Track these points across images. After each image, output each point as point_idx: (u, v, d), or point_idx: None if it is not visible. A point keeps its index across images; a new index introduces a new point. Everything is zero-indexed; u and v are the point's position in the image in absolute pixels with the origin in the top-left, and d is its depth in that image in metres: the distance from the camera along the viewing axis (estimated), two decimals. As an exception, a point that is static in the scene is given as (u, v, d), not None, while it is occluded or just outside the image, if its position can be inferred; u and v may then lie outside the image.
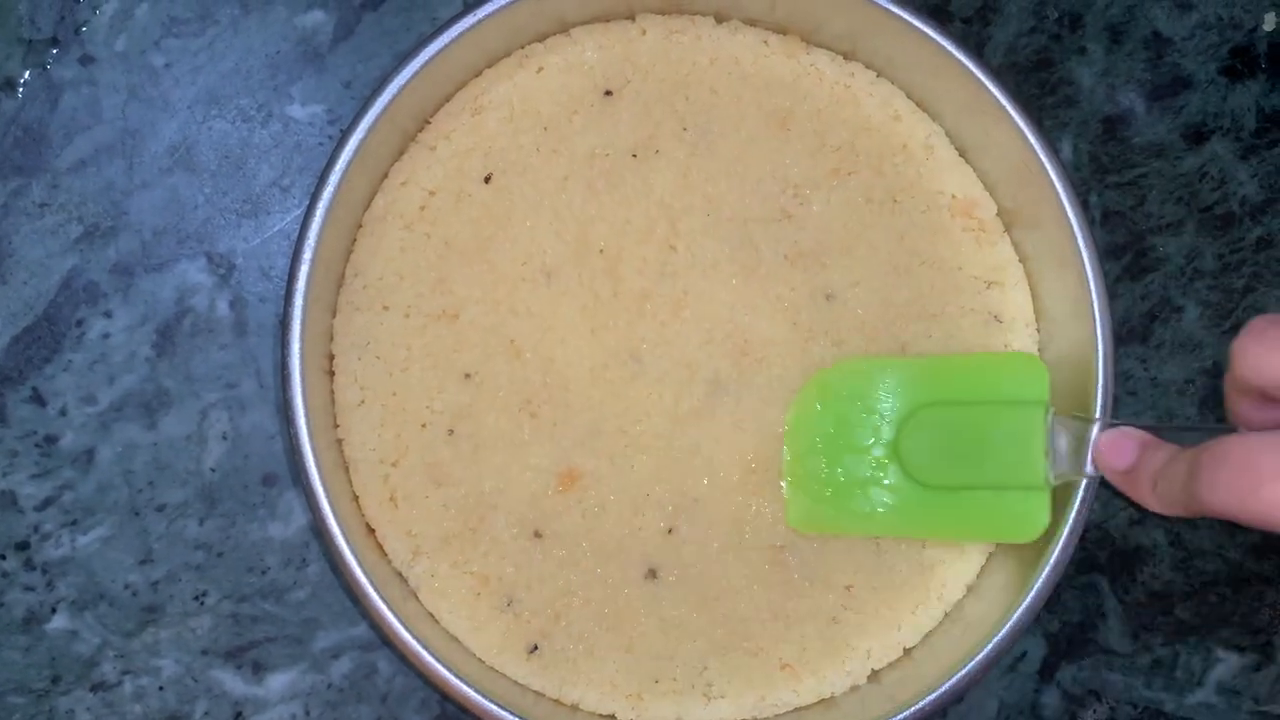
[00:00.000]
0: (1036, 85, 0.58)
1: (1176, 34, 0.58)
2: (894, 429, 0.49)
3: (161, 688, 0.54)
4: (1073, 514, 0.47)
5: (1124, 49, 0.58)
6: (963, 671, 0.47)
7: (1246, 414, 0.41)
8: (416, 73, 0.48)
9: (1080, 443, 0.45)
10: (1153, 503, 0.41)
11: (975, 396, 0.49)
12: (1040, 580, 0.47)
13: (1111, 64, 0.58)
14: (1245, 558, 0.58)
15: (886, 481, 0.50)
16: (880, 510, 0.50)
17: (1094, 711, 0.58)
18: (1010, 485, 0.47)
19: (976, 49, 0.56)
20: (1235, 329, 0.57)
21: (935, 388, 0.50)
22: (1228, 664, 0.58)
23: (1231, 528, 0.58)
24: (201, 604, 0.55)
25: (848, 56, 0.53)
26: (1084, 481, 0.47)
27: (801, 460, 0.50)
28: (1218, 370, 0.58)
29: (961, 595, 0.51)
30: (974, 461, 0.48)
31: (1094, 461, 0.45)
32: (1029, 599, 0.47)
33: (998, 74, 0.49)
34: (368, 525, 0.51)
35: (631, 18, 0.53)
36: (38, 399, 0.54)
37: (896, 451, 0.49)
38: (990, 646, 0.47)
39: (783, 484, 0.51)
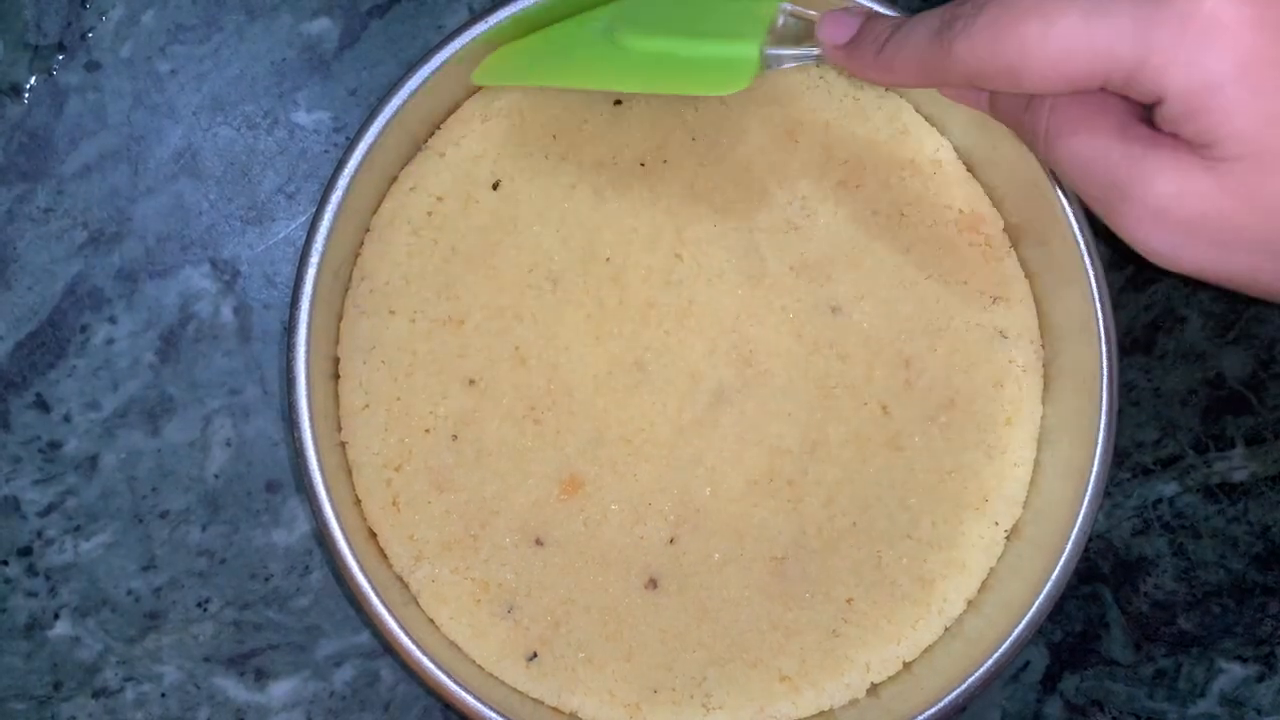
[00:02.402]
0: (1043, 95, 0.58)
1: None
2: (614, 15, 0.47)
3: (163, 694, 0.55)
4: (1074, 533, 0.47)
5: (1131, 60, 0.58)
6: (961, 687, 0.47)
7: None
8: (427, 79, 0.48)
9: (810, 29, 0.43)
10: (875, 71, 0.39)
11: None
12: (1041, 597, 0.47)
13: (1119, 75, 0.58)
14: (1248, 569, 0.58)
15: (591, 44, 0.47)
16: (575, 63, 0.47)
17: (1095, 723, 0.58)
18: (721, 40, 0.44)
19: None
20: (1238, 339, 0.57)
21: None
22: (1230, 675, 0.58)
23: (1234, 539, 0.58)
24: (204, 611, 0.55)
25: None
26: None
27: (520, 43, 0.49)
28: (1220, 381, 0.58)
29: (961, 611, 0.51)
30: (686, 28, 0.45)
31: (817, 38, 0.42)
32: (1029, 615, 0.47)
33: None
34: (370, 529, 0.51)
35: (641, 27, 0.53)
36: (41, 405, 0.55)
37: (610, 24, 0.47)
38: (990, 662, 0.47)
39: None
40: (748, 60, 0.42)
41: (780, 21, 0.43)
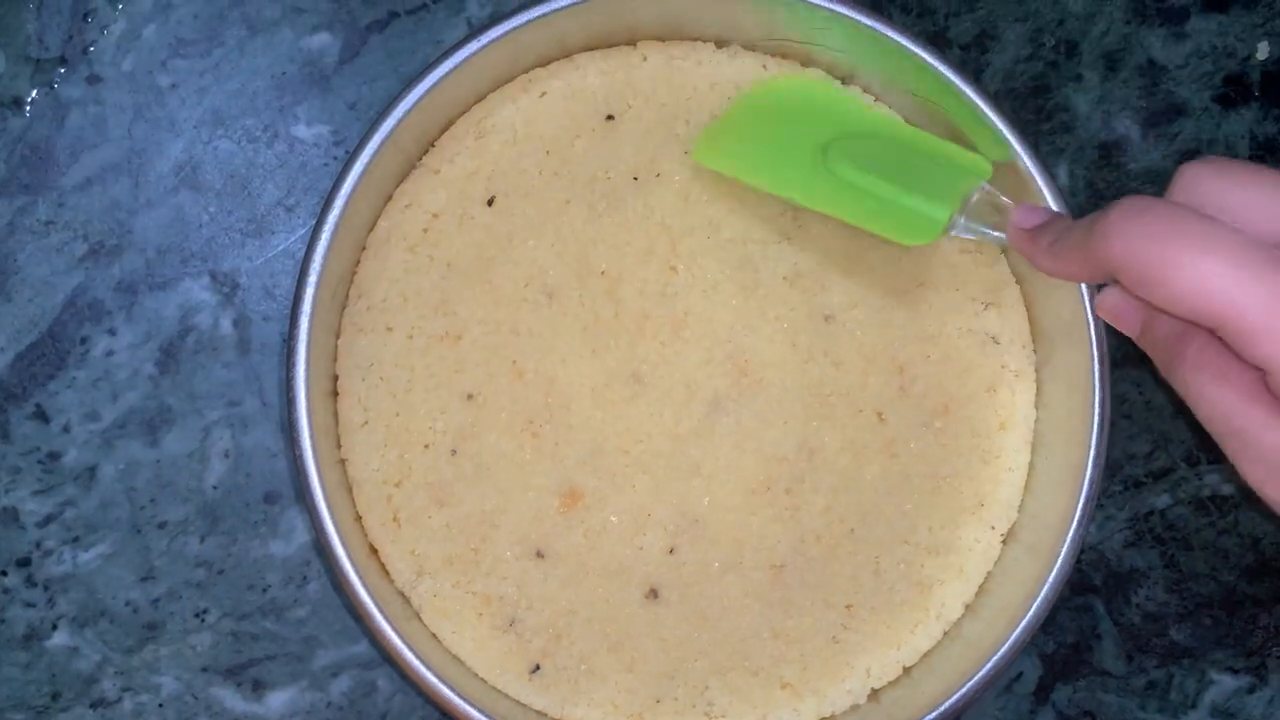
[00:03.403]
0: (1033, 111, 0.58)
1: (1171, 62, 0.59)
2: (832, 135, 0.50)
3: (161, 705, 0.54)
4: (1069, 536, 0.48)
5: (1119, 76, 0.59)
6: (961, 690, 0.47)
7: None
8: (422, 97, 0.48)
9: (997, 211, 0.46)
10: (1044, 257, 0.41)
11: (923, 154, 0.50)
12: (1038, 600, 0.47)
13: (1107, 91, 0.59)
14: (1239, 580, 0.58)
15: (805, 159, 0.50)
16: (785, 171, 0.50)
17: (1090, 733, 0.58)
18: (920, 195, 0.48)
19: (974, 75, 0.56)
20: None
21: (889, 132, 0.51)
22: (1221, 686, 0.58)
23: (1225, 551, 0.58)
24: (202, 621, 0.55)
25: (846, 81, 0.53)
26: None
27: (734, 121, 0.51)
28: (1211, 394, 0.58)
29: (960, 615, 0.51)
30: (894, 174, 0.48)
31: (1009, 220, 0.44)
32: (1027, 618, 0.47)
33: (995, 100, 0.49)
34: (370, 545, 0.51)
35: (633, 44, 0.53)
36: (41, 416, 0.55)
37: (825, 148, 0.50)
38: (989, 666, 0.47)
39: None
40: (937, 221, 0.46)
41: (974, 197, 0.46)
